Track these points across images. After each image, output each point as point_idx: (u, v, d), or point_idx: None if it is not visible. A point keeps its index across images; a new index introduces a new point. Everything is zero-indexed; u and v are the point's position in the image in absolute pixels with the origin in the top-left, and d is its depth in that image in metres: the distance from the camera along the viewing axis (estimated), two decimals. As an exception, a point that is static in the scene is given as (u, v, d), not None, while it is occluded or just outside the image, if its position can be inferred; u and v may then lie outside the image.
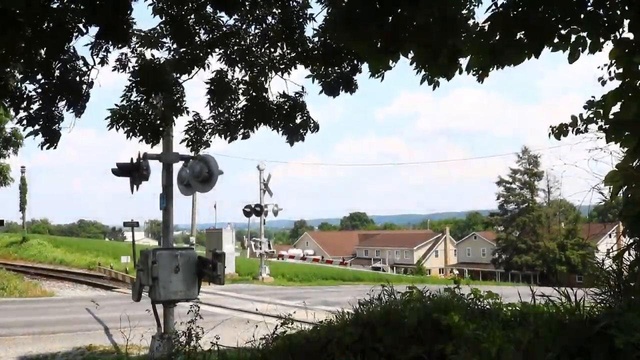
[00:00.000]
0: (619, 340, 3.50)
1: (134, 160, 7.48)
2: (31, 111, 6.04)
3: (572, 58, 4.57)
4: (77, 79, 6.15)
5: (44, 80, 6.01)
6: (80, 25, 5.71)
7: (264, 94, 7.56)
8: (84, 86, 6.18)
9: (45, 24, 5.54)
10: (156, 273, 7.17)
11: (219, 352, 6.07)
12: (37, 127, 6.08)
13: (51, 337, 10.37)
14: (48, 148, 6.17)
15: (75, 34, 5.74)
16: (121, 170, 7.65)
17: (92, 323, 11.91)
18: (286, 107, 7.51)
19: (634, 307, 3.84)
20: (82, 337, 10.32)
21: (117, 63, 6.96)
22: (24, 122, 6.04)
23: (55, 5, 5.64)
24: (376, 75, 5.55)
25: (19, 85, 5.98)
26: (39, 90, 6.00)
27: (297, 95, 7.54)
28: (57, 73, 6.07)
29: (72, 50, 6.04)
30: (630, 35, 4.50)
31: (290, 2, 7.06)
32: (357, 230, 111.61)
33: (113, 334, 10.02)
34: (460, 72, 5.15)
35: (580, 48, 4.53)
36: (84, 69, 6.20)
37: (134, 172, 7.47)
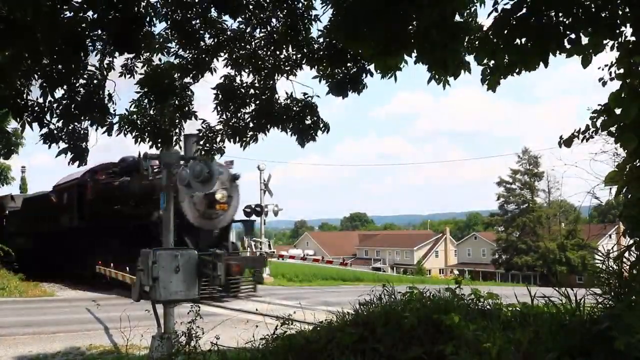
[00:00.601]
0: (619, 341, 3.50)
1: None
2: (52, 127, 6.07)
3: (586, 62, 4.55)
4: (100, 93, 6.18)
5: (65, 96, 6.03)
6: (95, 38, 5.76)
7: (273, 97, 7.54)
8: (107, 102, 6.23)
9: (57, 34, 5.53)
10: (156, 273, 7.17)
11: (219, 352, 6.07)
12: (64, 145, 6.15)
13: (51, 337, 10.36)
14: (79, 166, 6.28)
15: (90, 46, 5.78)
16: (122, 170, 7.67)
17: (92, 323, 11.91)
18: (296, 108, 7.50)
19: (634, 308, 3.84)
20: (82, 337, 10.31)
21: (123, 69, 6.98)
22: (48, 139, 6.08)
23: (66, 16, 5.63)
24: (387, 77, 5.55)
25: (39, 100, 5.97)
26: (61, 106, 6.03)
27: (307, 96, 7.53)
28: (78, 89, 6.11)
29: (89, 64, 6.08)
30: (633, 37, 4.49)
31: (295, 4, 7.04)
32: (357, 230, 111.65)
33: (113, 334, 10.01)
34: (470, 72, 5.15)
35: (591, 50, 4.52)
36: (101, 81, 6.24)
37: (134, 172, 7.50)
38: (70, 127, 6.19)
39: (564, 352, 3.83)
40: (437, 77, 5.46)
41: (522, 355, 3.96)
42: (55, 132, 6.12)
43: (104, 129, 6.25)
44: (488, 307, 5.15)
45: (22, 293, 18.09)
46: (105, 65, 6.26)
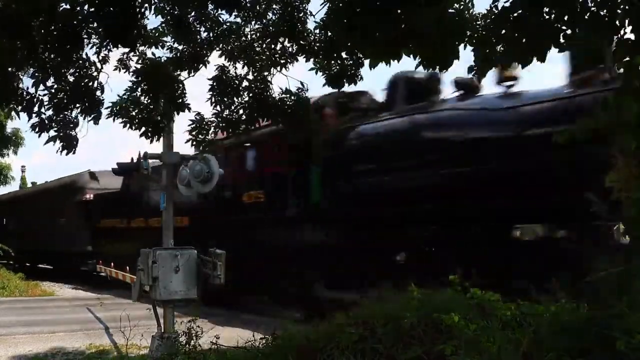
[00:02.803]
0: (620, 341, 3.50)
1: (134, 160, 7.49)
2: (43, 117, 6.07)
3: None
4: (90, 84, 6.19)
5: (56, 86, 6.03)
6: (91, 30, 5.76)
7: (267, 90, 7.56)
8: (98, 92, 6.24)
9: (53, 27, 5.52)
10: (156, 273, 7.17)
11: (219, 352, 6.07)
12: (53, 133, 6.15)
13: (51, 336, 10.35)
14: (67, 154, 6.29)
15: (85, 39, 5.78)
16: (122, 169, 7.68)
17: (92, 322, 11.89)
18: (289, 102, 7.52)
19: (635, 308, 3.83)
20: (82, 336, 10.30)
21: (119, 63, 6.98)
22: (37, 128, 6.08)
23: (62, 9, 5.62)
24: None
25: (30, 90, 5.98)
26: (51, 96, 6.03)
27: (299, 90, 7.55)
28: (69, 78, 6.11)
29: (84, 56, 6.08)
30: (632, 36, 4.47)
31: None
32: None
33: (113, 333, 10.00)
34: (458, 59, 5.12)
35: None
36: (94, 73, 6.25)
37: (134, 172, 7.50)
38: (60, 116, 6.20)
39: (564, 352, 3.83)
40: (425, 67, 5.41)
41: (522, 355, 3.96)
42: (45, 121, 6.13)
43: (91, 117, 6.25)
44: (488, 307, 5.14)
45: (22, 292, 18.08)
46: (101, 58, 6.28)
